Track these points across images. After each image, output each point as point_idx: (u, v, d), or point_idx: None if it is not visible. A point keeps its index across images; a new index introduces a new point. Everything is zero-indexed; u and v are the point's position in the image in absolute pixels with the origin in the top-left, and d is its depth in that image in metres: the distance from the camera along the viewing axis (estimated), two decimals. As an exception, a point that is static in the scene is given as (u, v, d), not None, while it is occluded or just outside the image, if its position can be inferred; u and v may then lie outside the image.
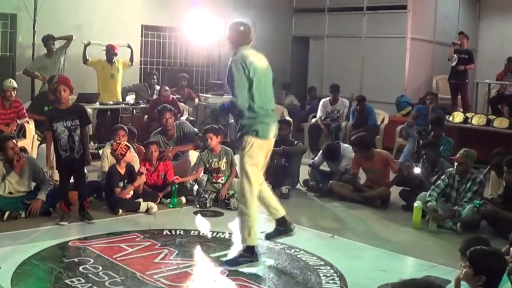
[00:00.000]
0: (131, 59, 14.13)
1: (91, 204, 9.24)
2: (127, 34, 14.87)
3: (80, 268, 6.66)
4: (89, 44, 13.56)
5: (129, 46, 14.11)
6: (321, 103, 15.12)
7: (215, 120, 15.80)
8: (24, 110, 11.66)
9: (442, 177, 9.46)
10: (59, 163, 8.45)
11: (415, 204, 9.03)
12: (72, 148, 8.33)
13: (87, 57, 13.57)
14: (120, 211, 8.97)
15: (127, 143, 9.53)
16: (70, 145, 8.32)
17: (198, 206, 9.68)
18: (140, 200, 9.20)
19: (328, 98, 15.11)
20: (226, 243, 7.91)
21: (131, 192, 9.26)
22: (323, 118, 14.84)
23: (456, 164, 9.22)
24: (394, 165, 10.76)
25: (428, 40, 17.78)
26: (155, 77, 14.94)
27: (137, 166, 9.66)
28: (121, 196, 9.13)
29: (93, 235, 7.95)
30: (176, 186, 9.68)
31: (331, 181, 10.98)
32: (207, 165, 10.00)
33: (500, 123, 13.09)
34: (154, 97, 14.00)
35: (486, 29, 19.00)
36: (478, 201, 8.84)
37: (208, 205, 9.64)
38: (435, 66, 17.88)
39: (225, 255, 7.35)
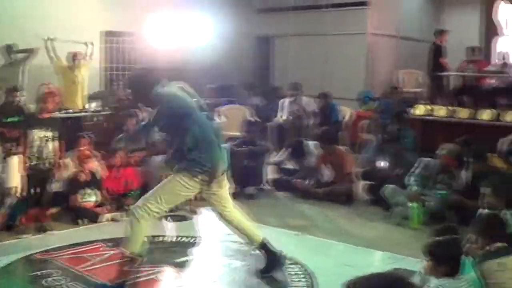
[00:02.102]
0: (89, 56, 13.98)
1: (57, 215, 9.18)
2: (88, 40, 14.74)
3: (46, 281, 6.61)
4: (50, 39, 13.37)
5: (89, 44, 13.97)
6: (283, 102, 15.09)
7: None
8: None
9: (418, 166, 9.52)
10: (27, 170, 8.39)
11: (410, 204, 8.97)
12: (42, 158, 8.36)
13: (53, 55, 13.39)
14: (83, 221, 8.89)
15: (89, 151, 9.47)
16: (40, 155, 8.32)
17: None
18: (105, 208, 9.14)
19: (290, 98, 15.08)
20: (192, 248, 7.87)
21: (94, 199, 9.19)
22: (286, 117, 14.81)
23: (441, 162, 9.28)
24: (348, 164, 10.72)
25: (390, 35, 17.82)
26: (118, 83, 14.84)
27: (101, 174, 9.60)
28: (77, 204, 9.07)
29: (57, 246, 7.86)
30: (133, 193, 9.60)
31: (295, 179, 11.00)
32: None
33: (463, 113, 13.18)
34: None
35: (447, 21, 19.07)
36: (443, 192, 8.92)
37: (173, 209, 9.58)
38: (398, 60, 17.92)
39: (189, 260, 7.33)
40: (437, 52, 15.99)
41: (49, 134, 8.42)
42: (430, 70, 15.97)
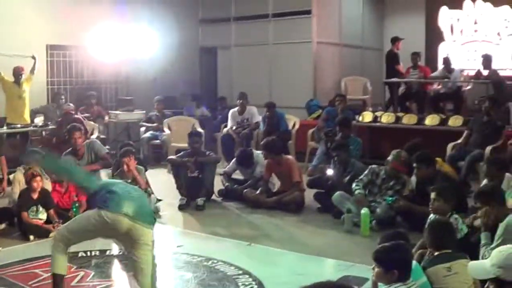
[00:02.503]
0: (32, 70, 13.80)
1: (3, 231, 9.08)
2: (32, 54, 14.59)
3: (-7, 298, 6.52)
4: None
5: (33, 57, 13.84)
6: (230, 113, 15.09)
7: (127, 136, 15.74)
8: None
9: (365, 172, 9.61)
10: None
11: (362, 211, 8.96)
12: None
13: None
14: (32, 237, 8.78)
15: (36, 169, 9.38)
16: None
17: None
18: (56, 224, 9.05)
19: (236, 108, 15.08)
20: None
21: (44, 217, 9.10)
22: (234, 128, 14.81)
23: (390, 168, 9.36)
24: (294, 174, 10.72)
25: (334, 43, 17.96)
26: (63, 97, 14.72)
27: (48, 188, 9.52)
28: (27, 220, 8.97)
29: (6, 263, 7.73)
30: (77, 205, 9.48)
31: (244, 190, 11.01)
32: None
33: (409, 119, 13.35)
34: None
35: (391, 28, 19.27)
36: (390, 198, 9.00)
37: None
38: (343, 68, 18.06)
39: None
40: (393, 59, 16.24)
41: (-8, 150, 8.33)
42: (386, 77, 16.23)
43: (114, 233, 5.92)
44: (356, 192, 9.41)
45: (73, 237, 6.03)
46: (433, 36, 18.34)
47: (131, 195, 5.91)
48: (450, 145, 11.56)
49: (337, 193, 9.62)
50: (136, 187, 6.50)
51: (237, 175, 11.86)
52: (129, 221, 5.70)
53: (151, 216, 6.04)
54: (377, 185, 9.50)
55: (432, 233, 5.75)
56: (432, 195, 6.86)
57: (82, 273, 7.25)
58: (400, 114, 13.87)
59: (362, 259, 7.40)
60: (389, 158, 9.49)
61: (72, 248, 7.80)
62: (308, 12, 17.23)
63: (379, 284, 5.05)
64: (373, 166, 9.73)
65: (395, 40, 16.65)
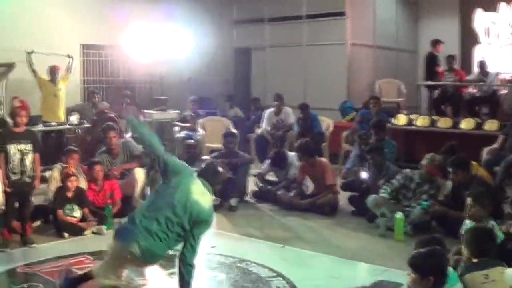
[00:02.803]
0: (69, 68, 13.87)
1: (39, 228, 9.17)
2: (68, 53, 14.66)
3: (30, 294, 6.56)
4: (32, 52, 13.30)
5: (70, 56, 13.90)
6: (266, 114, 15.08)
7: (161, 135, 15.76)
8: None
9: (398, 176, 9.55)
10: (8, 187, 8.33)
11: (396, 216, 8.91)
12: (23, 171, 8.34)
13: (34, 68, 13.32)
14: (66, 234, 8.85)
15: (75, 169, 9.47)
16: (21, 169, 8.31)
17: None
18: (90, 223, 9.10)
19: (272, 109, 15.07)
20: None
21: (79, 215, 9.16)
22: (269, 129, 14.80)
23: (424, 172, 9.30)
24: (328, 177, 10.70)
25: (368, 44, 17.88)
26: (97, 96, 14.78)
27: (83, 187, 9.59)
28: (62, 218, 9.04)
29: (41, 259, 7.79)
30: (110, 207, 9.57)
31: (278, 191, 11.01)
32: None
33: (444, 123, 13.24)
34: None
35: (425, 30, 19.17)
36: (426, 202, 8.93)
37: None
38: (377, 70, 17.99)
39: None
40: (433, 61, 16.15)
41: (29, 147, 8.41)
42: (424, 79, 16.14)
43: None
44: (380, 195, 9.40)
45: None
46: (468, 38, 18.14)
47: (149, 231, 5.89)
48: (485, 150, 11.43)
49: (372, 196, 9.57)
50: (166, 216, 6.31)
51: (271, 177, 11.85)
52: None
53: (159, 259, 6.15)
54: (411, 190, 9.42)
55: (473, 240, 5.67)
56: (468, 200, 6.79)
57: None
58: (435, 117, 13.77)
59: (396, 263, 7.34)
60: (423, 162, 9.43)
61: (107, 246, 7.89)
62: (342, 13, 17.18)
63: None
64: (407, 170, 9.68)
65: (435, 43, 16.54)
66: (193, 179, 6.19)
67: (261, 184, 11.60)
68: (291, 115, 14.92)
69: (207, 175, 6.33)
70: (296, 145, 11.40)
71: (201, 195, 6.10)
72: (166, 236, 5.90)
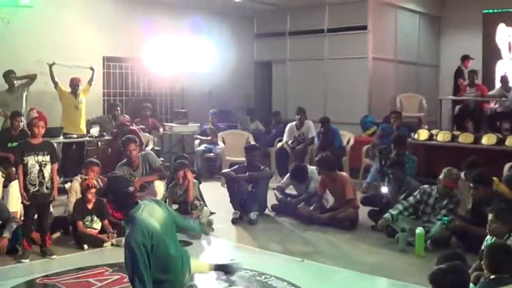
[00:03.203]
0: (90, 81, 13.91)
1: (58, 240, 9.19)
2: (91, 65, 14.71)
3: (49, 305, 6.57)
4: (53, 64, 13.36)
5: (91, 68, 13.97)
6: (288, 127, 15.09)
7: (182, 148, 15.82)
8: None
9: (415, 193, 9.49)
10: (27, 200, 8.35)
11: (417, 231, 8.86)
12: (41, 183, 8.35)
13: (56, 80, 13.40)
14: (86, 246, 8.86)
15: (92, 180, 9.48)
16: (40, 180, 8.34)
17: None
18: (110, 235, 9.10)
19: (294, 122, 15.08)
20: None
21: (99, 227, 9.18)
22: (290, 142, 14.80)
23: (442, 186, 9.26)
24: (348, 191, 10.63)
25: (390, 59, 17.85)
26: (118, 108, 14.79)
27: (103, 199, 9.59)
28: (81, 230, 9.06)
29: (61, 271, 7.82)
30: None
31: (298, 203, 11.01)
32: (175, 197, 10.11)
33: (465, 138, 13.16)
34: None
35: (447, 45, 19.18)
36: (446, 218, 8.87)
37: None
38: (398, 85, 17.97)
39: (193, 285, 7.30)
40: (458, 75, 16.17)
41: (47, 158, 8.42)
42: (453, 94, 16.19)
43: None
44: (385, 215, 9.39)
45: None
46: (490, 53, 18.07)
47: None
48: (507, 166, 11.35)
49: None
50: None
51: (291, 190, 11.82)
52: None
53: None
54: (430, 205, 9.36)
55: (490, 256, 5.62)
56: (490, 216, 6.73)
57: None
58: (456, 132, 13.70)
59: (416, 279, 7.32)
60: (441, 176, 9.37)
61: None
62: (364, 27, 17.15)
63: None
64: (425, 186, 9.61)
65: (464, 58, 16.53)
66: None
67: (280, 196, 11.57)
68: (312, 129, 14.92)
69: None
70: (316, 159, 11.38)
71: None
72: None
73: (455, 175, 9.29)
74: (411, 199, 9.46)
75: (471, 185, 8.92)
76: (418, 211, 9.43)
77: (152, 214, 5.91)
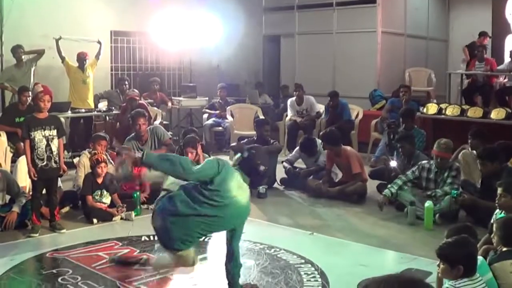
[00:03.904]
0: (97, 55, 13.95)
1: (68, 214, 9.23)
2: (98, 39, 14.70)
3: (59, 279, 6.58)
4: (60, 38, 13.36)
5: (99, 42, 13.98)
6: (288, 102, 15.11)
7: (190, 122, 15.83)
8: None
9: (413, 168, 9.51)
10: (35, 175, 8.35)
11: (426, 205, 8.84)
12: (49, 157, 8.31)
13: (63, 54, 13.42)
14: (95, 220, 8.89)
15: (105, 155, 9.50)
16: (48, 155, 8.30)
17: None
18: (120, 209, 9.11)
19: (294, 98, 15.08)
20: (206, 246, 7.83)
21: (108, 201, 9.19)
22: (291, 116, 14.81)
23: (438, 159, 9.24)
24: (354, 165, 10.61)
25: (399, 33, 17.79)
26: (126, 82, 14.79)
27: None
28: (91, 204, 9.09)
29: (70, 245, 7.83)
30: (138, 193, 9.57)
31: (306, 175, 11.02)
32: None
33: (474, 112, 13.10)
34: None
35: (456, 19, 19.08)
36: (455, 191, 8.86)
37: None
38: (407, 59, 17.92)
39: (205, 258, 7.32)
40: (470, 48, 16.14)
41: (53, 132, 8.39)
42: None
43: None
44: (384, 192, 9.42)
45: None
46: (500, 28, 17.96)
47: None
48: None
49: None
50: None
51: (299, 164, 11.82)
52: None
53: None
54: (432, 180, 9.36)
55: (503, 229, 5.61)
56: (499, 190, 6.71)
57: (145, 257, 7.21)
58: (465, 106, 13.66)
59: (425, 252, 7.32)
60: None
61: (136, 232, 7.90)
62: (373, 1, 17.08)
63: (444, 280, 4.98)
64: (423, 162, 9.59)
65: (482, 34, 16.44)
66: (230, 175, 5.98)
67: (289, 166, 11.55)
68: (314, 104, 14.95)
69: (245, 168, 6.25)
70: (321, 134, 11.38)
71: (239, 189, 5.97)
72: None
73: (444, 144, 9.26)
74: (409, 174, 9.46)
75: (478, 161, 8.91)
76: (421, 186, 9.43)
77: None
